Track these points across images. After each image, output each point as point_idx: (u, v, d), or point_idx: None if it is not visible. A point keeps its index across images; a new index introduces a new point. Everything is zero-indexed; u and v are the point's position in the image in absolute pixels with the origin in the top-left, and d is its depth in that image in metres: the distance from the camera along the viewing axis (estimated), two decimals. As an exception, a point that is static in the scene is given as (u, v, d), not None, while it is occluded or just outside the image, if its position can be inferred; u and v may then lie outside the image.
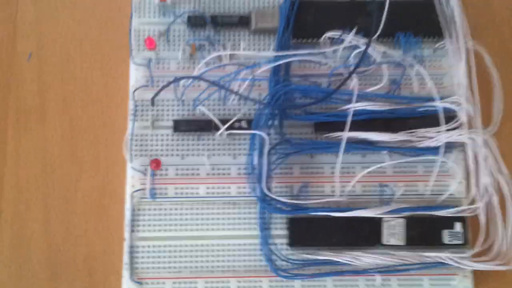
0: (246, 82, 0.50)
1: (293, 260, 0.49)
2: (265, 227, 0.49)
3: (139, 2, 0.53)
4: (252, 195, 0.49)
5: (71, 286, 0.50)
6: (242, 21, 0.52)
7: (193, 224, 0.49)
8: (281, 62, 0.50)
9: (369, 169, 0.50)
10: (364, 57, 0.49)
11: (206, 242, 0.49)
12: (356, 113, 0.49)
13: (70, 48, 0.54)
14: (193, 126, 0.50)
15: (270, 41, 0.52)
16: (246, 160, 0.49)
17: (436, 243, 0.49)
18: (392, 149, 0.50)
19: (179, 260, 0.49)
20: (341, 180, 0.49)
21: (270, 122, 0.49)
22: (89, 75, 0.54)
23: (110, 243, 0.51)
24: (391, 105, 0.50)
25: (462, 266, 0.48)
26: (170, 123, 0.51)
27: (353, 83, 0.49)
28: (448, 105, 0.49)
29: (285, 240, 0.49)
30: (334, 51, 0.52)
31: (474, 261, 0.48)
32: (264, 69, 0.50)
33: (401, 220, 0.49)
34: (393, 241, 0.49)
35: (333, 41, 0.52)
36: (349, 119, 0.48)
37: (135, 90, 0.51)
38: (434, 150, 0.49)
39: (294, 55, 0.50)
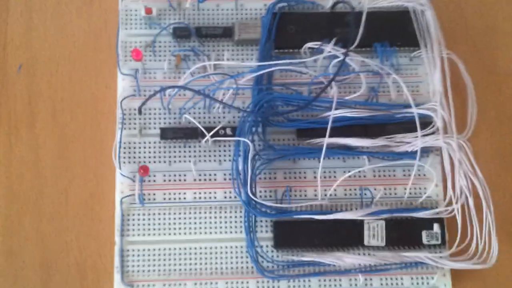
0: (230, 91, 0.51)
1: (279, 261, 0.50)
2: (250, 230, 0.49)
3: (125, 14, 0.54)
4: (238, 200, 0.50)
5: (63, 290, 0.51)
6: (226, 33, 0.53)
7: (181, 228, 0.50)
8: (263, 71, 0.51)
9: (349, 173, 0.50)
10: (342, 66, 0.51)
11: (194, 245, 0.50)
12: (336, 119, 0.50)
13: (59, 59, 0.55)
14: (179, 133, 0.51)
15: (253, 51, 0.53)
16: (231, 166, 0.49)
17: (415, 244, 0.50)
18: (371, 154, 0.51)
19: (168, 263, 0.50)
20: (323, 184, 0.50)
21: (253, 129, 0.50)
22: (77, 85, 0.54)
23: (101, 247, 0.51)
24: (369, 112, 0.51)
25: (440, 265, 0.49)
26: (157, 131, 0.51)
27: (333, 91, 0.50)
28: (424, 111, 0.50)
29: (270, 243, 0.50)
30: (315, 61, 0.53)
31: (452, 260, 0.49)
32: (247, 79, 0.51)
33: (381, 222, 0.50)
34: (374, 242, 0.50)
35: (313, 51, 0.53)
36: (330, 126, 0.48)
37: (122, 100, 0.52)
38: (411, 154, 0.50)
39: (276, 64, 0.51)
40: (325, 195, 0.51)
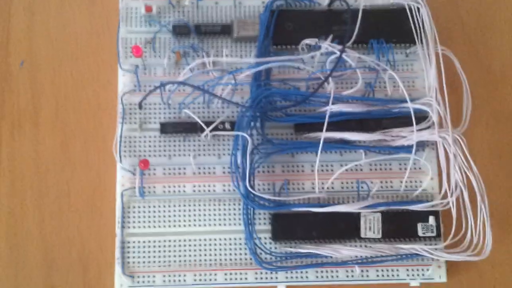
0: (229, 87, 0.52)
1: (277, 253, 0.50)
2: (249, 222, 0.50)
3: (126, 12, 0.54)
4: (236, 192, 0.50)
5: (66, 281, 0.51)
6: (225, 30, 0.54)
7: (181, 220, 0.51)
8: (261, 68, 0.51)
9: (346, 167, 0.51)
10: (339, 62, 0.51)
11: (193, 237, 0.51)
12: (334, 114, 0.50)
13: (61, 56, 0.56)
14: (179, 128, 0.52)
15: (251, 48, 0.54)
16: (230, 160, 0.50)
17: (411, 236, 0.51)
18: (368, 148, 0.52)
19: (168, 255, 0.50)
20: (321, 177, 0.51)
21: (252, 124, 0.50)
22: (79, 81, 0.55)
23: (102, 239, 0.52)
24: (366, 107, 0.52)
25: (435, 257, 0.50)
26: (157, 126, 0.52)
27: (330, 86, 0.51)
28: (419, 106, 0.51)
29: (268, 235, 0.51)
30: (312, 57, 0.53)
31: (447, 252, 0.50)
32: (245, 75, 0.51)
33: (378, 214, 0.50)
34: (370, 234, 0.50)
35: (310, 48, 0.53)
36: (327, 120, 0.49)
37: (123, 95, 0.52)
38: (407, 148, 0.51)
39: (274, 61, 0.52)
40: (323, 188, 0.51)
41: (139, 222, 0.51)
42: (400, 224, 0.51)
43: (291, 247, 0.50)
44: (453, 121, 0.50)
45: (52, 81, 0.55)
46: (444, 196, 0.51)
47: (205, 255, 0.50)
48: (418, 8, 0.54)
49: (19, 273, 0.52)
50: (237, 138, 0.50)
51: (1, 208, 0.53)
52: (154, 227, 0.51)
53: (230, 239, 0.51)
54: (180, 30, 0.54)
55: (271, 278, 0.50)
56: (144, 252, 0.50)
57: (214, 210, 0.51)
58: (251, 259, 0.50)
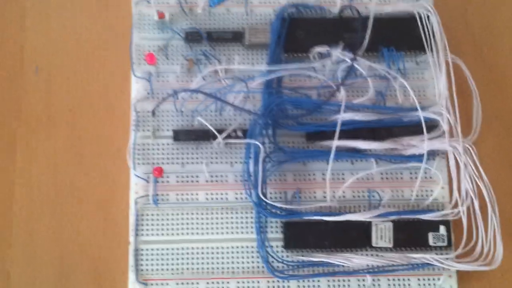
0: (241, 94, 0.52)
1: (289, 261, 0.50)
2: (261, 230, 0.50)
3: (139, 19, 0.55)
4: (249, 201, 0.50)
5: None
6: (236, 37, 0.54)
7: (194, 228, 0.51)
8: (273, 76, 0.52)
9: (358, 176, 0.51)
10: (350, 71, 0.51)
11: (206, 245, 0.51)
12: (345, 123, 0.50)
13: (75, 62, 0.56)
14: (192, 135, 0.52)
15: (263, 55, 0.54)
16: (242, 168, 0.51)
17: (422, 245, 0.51)
18: (379, 156, 0.52)
19: (181, 262, 0.50)
20: (332, 186, 0.51)
21: (264, 132, 0.50)
22: (92, 88, 0.55)
23: (116, 246, 0.52)
24: (377, 115, 0.52)
25: (446, 267, 0.50)
26: (170, 133, 0.52)
27: (341, 95, 0.51)
28: (430, 115, 0.51)
29: (280, 243, 0.51)
30: (323, 65, 0.53)
31: (458, 262, 0.49)
32: (257, 83, 0.52)
33: (389, 223, 0.50)
34: (381, 243, 0.50)
35: (321, 56, 0.54)
36: (338, 129, 0.49)
37: (136, 102, 0.53)
38: (418, 157, 0.51)
39: (286, 69, 0.52)
40: (334, 196, 0.51)
41: (152, 229, 0.51)
42: (411, 233, 0.51)
43: (302, 256, 0.50)
44: (463, 130, 0.51)
45: (66, 88, 0.55)
46: (455, 206, 0.51)
47: (218, 263, 0.50)
48: (428, 16, 0.54)
49: (32, 278, 0.52)
50: (249, 146, 0.50)
51: (16, 216, 0.53)
52: (168, 234, 0.51)
53: (242, 247, 0.51)
54: (192, 37, 0.54)
55: (283, 286, 0.50)
56: (157, 259, 0.50)
57: (227, 218, 0.51)
58: (263, 267, 0.50)
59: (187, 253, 0.51)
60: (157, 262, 0.50)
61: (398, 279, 0.51)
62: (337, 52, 0.53)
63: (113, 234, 0.52)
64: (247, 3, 0.56)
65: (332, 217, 0.50)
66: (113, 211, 0.53)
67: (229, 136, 0.51)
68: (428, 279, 0.51)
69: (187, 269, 0.50)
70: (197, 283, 0.50)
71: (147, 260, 0.50)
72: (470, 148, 0.50)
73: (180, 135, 0.52)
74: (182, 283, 0.50)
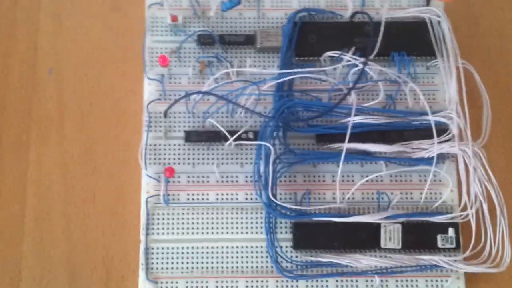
0: (252, 97, 0.52)
1: (297, 261, 0.50)
2: (271, 231, 0.50)
3: (152, 22, 0.55)
4: (259, 201, 0.50)
5: (90, 286, 0.52)
6: (248, 40, 0.55)
7: (204, 227, 0.51)
8: (284, 79, 0.52)
9: (367, 178, 0.51)
10: (361, 75, 0.52)
11: (216, 244, 0.51)
12: (355, 126, 0.50)
13: (87, 64, 0.57)
14: (203, 137, 0.52)
15: (274, 58, 0.55)
16: (253, 169, 0.51)
17: (430, 247, 0.51)
18: (389, 159, 0.52)
19: (191, 261, 0.51)
20: (342, 188, 0.51)
21: (274, 134, 0.51)
22: (105, 89, 0.56)
23: (126, 245, 0.52)
24: (387, 119, 0.52)
25: (454, 269, 0.50)
26: (182, 134, 0.53)
27: (352, 98, 0.51)
28: (440, 119, 0.51)
29: (289, 243, 0.51)
30: (334, 69, 0.54)
31: (466, 264, 0.50)
32: (269, 85, 0.52)
33: (398, 225, 0.51)
34: (390, 245, 0.50)
35: (332, 60, 0.54)
36: (349, 131, 0.49)
37: (149, 103, 0.53)
38: (427, 160, 0.51)
39: (297, 72, 0.52)
40: (343, 198, 0.52)
41: (163, 228, 0.51)
42: (420, 235, 0.51)
43: (311, 256, 0.51)
44: (473, 134, 0.51)
45: (78, 89, 0.56)
46: (464, 208, 0.51)
47: (227, 262, 0.51)
48: (439, 22, 0.54)
49: (44, 278, 0.52)
50: (260, 148, 0.50)
51: (28, 214, 0.53)
52: (178, 234, 0.51)
53: (252, 247, 0.51)
54: (204, 40, 0.54)
55: (292, 286, 0.51)
56: (167, 258, 0.51)
57: (237, 218, 0.52)
58: (272, 267, 0.50)
59: (197, 252, 0.51)
60: (167, 260, 0.51)
61: (406, 280, 0.51)
62: (348, 56, 0.53)
63: (124, 233, 0.53)
64: (259, 7, 0.56)
65: (341, 218, 0.50)
66: (124, 210, 0.53)
67: (240, 138, 0.52)
68: (436, 281, 0.51)
69: (197, 268, 0.51)
70: (207, 281, 0.51)
71: (157, 258, 0.51)
72: (480, 152, 0.50)
73: (192, 136, 0.52)
74: (192, 282, 0.50)
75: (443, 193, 0.52)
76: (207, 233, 0.51)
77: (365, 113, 0.52)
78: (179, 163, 0.52)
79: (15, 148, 0.55)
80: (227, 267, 0.51)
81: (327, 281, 0.51)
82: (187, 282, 0.50)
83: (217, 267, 0.51)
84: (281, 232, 0.51)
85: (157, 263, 0.51)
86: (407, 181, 0.53)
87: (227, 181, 0.52)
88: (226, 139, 0.52)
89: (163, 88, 0.54)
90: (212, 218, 0.52)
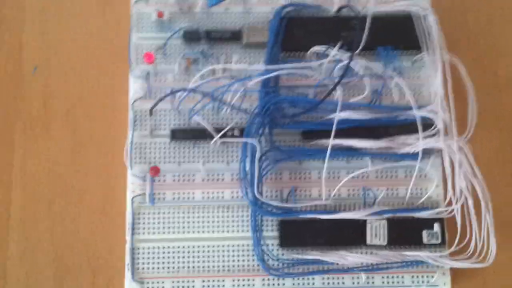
0: (238, 94, 0.52)
1: (284, 259, 0.51)
2: (257, 229, 0.50)
3: (137, 18, 0.55)
4: (245, 199, 0.51)
5: (76, 286, 0.52)
6: (234, 36, 0.54)
7: (190, 227, 0.51)
8: (270, 75, 0.52)
9: (353, 174, 0.51)
10: (347, 70, 0.51)
11: (202, 243, 0.51)
12: (341, 121, 0.50)
13: (72, 62, 0.56)
14: (189, 134, 0.52)
15: (260, 54, 0.54)
16: (239, 167, 0.51)
17: (416, 243, 0.51)
18: (374, 155, 0.52)
19: (177, 261, 0.51)
20: (328, 184, 0.51)
21: (260, 131, 0.51)
22: (90, 87, 0.56)
23: (112, 245, 0.52)
24: (373, 114, 0.52)
25: (440, 264, 0.50)
26: (168, 132, 0.52)
27: (338, 94, 0.51)
28: (425, 114, 0.51)
29: (276, 241, 0.51)
30: (320, 65, 0.53)
31: (451, 259, 0.50)
32: (255, 82, 0.52)
33: (384, 221, 0.51)
34: (376, 241, 0.51)
35: (319, 55, 0.54)
36: (334, 127, 0.49)
37: (134, 101, 0.53)
38: (413, 156, 0.51)
39: (283, 68, 0.52)
40: (329, 195, 0.52)
41: (148, 228, 0.51)
42: (406, 231, 0.51)
43: (298, 254, 0.51)
44: (458, 128, 0.51)
45: (63, 87, 0.56)
46: (449, 204, 0.51)
47: (214, 261, 0.51)
48: (425, 15, 0.54)
49: (29, 277, 0.52)
50: (246, 145, 0.50)
51: (13, 213, 0.53)
52: (164, 233, 0.51)
53: (238, 245, 0.51)
54: (190, 36, 0.54)
55: (278, 284, 0.51)
56: (153, 258, 0.51)
57: (223, 216, 0.52)
58: (258, 265, 0.51)
59: (183, 252, 0.51)
60: (153, 260, 0.51)
61: (392, 277, 0.51)
62: (334, 52, 0.53)
63: (110, 233, 0.53)
64: (245, 2, 0.56)
65: (327, 215, 0.50)
66: (110, 210, 0.53)
67: (225, 135, 0.52)
68: (422, 277, 0.51)
69: (183, 267, 0.51)
70: (193, 281, 0.51)
71: (143, 258, 0.51)
72: (465, 147, 0.50)
73: (178, 134, 0.52)
74: (178, 281, 0.51)
75: (428, 188, 0.53)
76: (193, 232, 0.51)
77: (351, 108, 0.52)
78: (164, 162, 0.52)
79: (0, 148, 0.54)
80: (213, 266, 0.51)
81: (313, 278, 0.51)
82: (173, 282, 0.51)
83: (203, 266, 0.51)
84: (267, 230, 0.51)
85: (143, 263, 0.51)
86: (392, 177, 0.53)
87: (213, 179, 0.52)
88: (212, 137, 0.52)
89: (149, 85, 0.53)
90: (198, 217, 0.52)
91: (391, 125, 0.52)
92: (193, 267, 0.51)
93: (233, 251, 0.51)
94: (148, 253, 0.51)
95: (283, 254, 0.51)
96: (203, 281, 0.51)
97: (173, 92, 0.52)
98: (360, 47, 0.53)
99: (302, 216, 0.50)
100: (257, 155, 0.50)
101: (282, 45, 0.54)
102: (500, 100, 0.57)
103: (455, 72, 0.53)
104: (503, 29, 0.59)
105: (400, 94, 0.54)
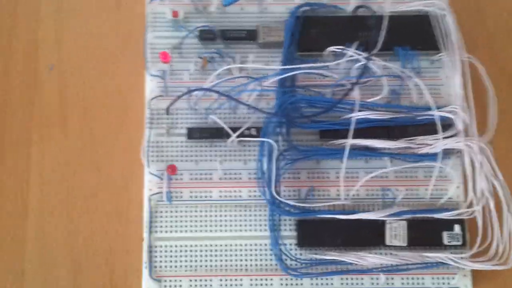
0: (255, 93, 0.52)
1: (302, 259, 0.50)
2: (274, 228, 0.50)
3: (153, 17, 0.55)
4: (262, 199, 0.50)
5: (92, 284, 0.52)
6: (250, 35, 0.54)
7: (207, 225, 0.51)
8: (287, 74, 0.52)
9: (372, 174, 0.51)
10: (365, 70, 0.51)
11: (219, 242, 0.51)
12: (359, 121, 0.50)
13: (89, 60, 0.56)
14: (205, 133, 0.52)
15: (276, 53, 0.54)
16: (256, 166, 0.51)
17: (436, 244, 0.50)
18: (393, 155, 0.52)
19: (195, 259, 0.50)
20: (346, 184, 0.50)
21: (278, 130, 0.51)
22: (107, 86, 0.56)
23: (129, 243, 0.52)
24: (391, 114, 0.52)
25: (461, 266, 0.49)
26: (184, 131, 0.52)
27: (356, 94, 0.51)
28: (445, 114, 0.51)
29: (294, 241, 0.51)
30: (337, 64, 0.53)
31: (473, 261, 0.49)
32: (271, 81, 0.52)
33: (403, 222, 0.50)
34: (395, 242, 0.50)
35: (335, 54, 0.54)
36: (352, 127, 0.49)
37: (150, 100, 0.53)
38: (432, 156, 0.51)
39: (299, 68, 0.52)
40: (348, 195, 0.51)
41: (166, 226, 0.51)
42: (426, 232, 0.51)
43: (316, 254, 0.50)
44: (479, 129, 0.50)
45: (80, 86, 0.56)
46: (470, 205, 0.50)
47: (231, 260, 0.50)
48: (443, 15, 0.54)
49: (46, 275, 0.52)
50: (263, 144, 0.50)
51: (30, 212, 0.53)
52: (181, 231, 0.51)
53: (255, 245, 0.51)
54: (206, 36, 0.54)
55: (296, 284, 0.50)
56: (171, 256, 0.50)
57: (240, 216, 0.51)
58: (276, 265, 0.50)
59: (201, 250, 0.51)
60: (171, 259, 0.50)
61: (412, 278, 0.51)
62: (351, 52, 0.53)
63: (127, 231, 0.52)
64: (260, 1, 0.56)
65: (345, 215, 0.50)
66: (127, 208, 0.53)
67: (243, 134, 0.51)
68: (443, 278, 0.51)
69: (201, 266, 0.50)
70: (210, 280, 0.50)
71: (160, 257, 0.50)
72: (486, 147, 0.50)
73: (194, 133, 0.52)
74: (196, 280, 0.50)
75: (448, 189, 0.52)
76: (211, 231, 0.51)
77: (369, 108, 0.52)
78: (181, 160, 0.52)
79: (17, 146, 0.54)
80: (231, 265, 0.50)
81: (332, 279, 0.50)
82: (190, 280, 0.50)
83: (221, 265, 0.50)
84: (285, 230, 0.51)
85: (161, 261, 0.50)
86: (412, 177, 0.52)
87: (230, 178, 0.52)
88: (229, 136, 0.51)
89: (165, 84, 0.53)
90: (216, 215, 0.51)
91: (410, 125, 0.52)
92: (211, 266, 0.50)
93: (250, 250, 0.51)
94: (166, 251, 0.50)
95: (301, 254, 0.51)
96: (221, 280, 0.50)
97: (190, 91, 0.51)
98: (378, 47, 0.52)
99: (320, 216, 0.50)
100: (275, 154, 0.49)
101: (298, 45, 0.54)
102: (521, 100, 0.57)
103: (474, 72, 0.52)
104: (522, 29, 0.59)
105: (419, 94, 0.53)
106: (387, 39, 0.52)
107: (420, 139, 0.51)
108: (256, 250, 0.51)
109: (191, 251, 0.51)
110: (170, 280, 0.50)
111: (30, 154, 0.54)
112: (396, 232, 0.50)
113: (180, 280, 0.50)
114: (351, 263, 0.50)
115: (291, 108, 0.51)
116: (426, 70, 0.54)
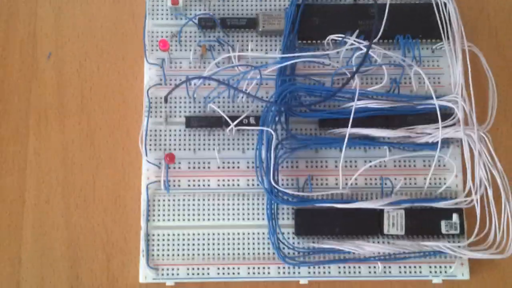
0: (254, 81, 0.52)
1: (299, 248, 0.50)
2: (272, 217, 0.50)
3: (152, 5, 0.55)
4: (260, 187, 0.50)
5: (90, 271, 0.52)
6: (250, 23, 0.54)
7: (205, 214, 0.51)
8: (287, 63, 0.51)
9: (371, 163, 0.51)
10: (365, 58, 0.50)
11: (217, 231, 0.51)
12: (358, 110, 0.50)
13: (87, 48, 0.56)
14: (204, 122, 0.52)
15: (276, 42, 0.54)
16: (255, 154, 0.50)
17: (434, 233, 0.50)
18: (392, 144, 0.52)
19: (192, 248, 0.51)
20: (345, 173, 0.51)
21: (276, 119, 0.50)
22: (105, 74, 0.55)
23: (127, 231, 0.52)
24: (391, 103, 0.51)
25: (458, 255, 0.50)
26: (183, 119, 0.52)
27: (355, 83, 0.50)
28: (445, 103, 0.51)
29: (291, 230, 0.51)
30: (337, 53, 0.53)
31: (470, 250, 0.49)
32: (271, 70, 0.51)
33: (401, 211, 0.50)
34: (393, 231, 0.50)
35: (336, 43, 0.53)
36: (352, 116, 0.49)
37: (149, 88, 0.53)
38: (432, 145, 0.51)
39: (300, 56, 0.52)
40: (346, 184, 0.51)
41: (163, 215, 0.51)
42: (424, 221, 0.51)
43: (313, 243, 0.50)
44: (478, 118, 0.50)
45: (78, 74, 0.56)
46: (468, 194, 0.50)
47: (229, 249, 0.51)
48: (445, 4, 0.53)
49: (44, 263, 0.52)
50: (262, 133, 0.50)
51: (27, 199, 0.53)
52: (179, 220, 0.51)
53: (253, 233, 0.51)
54: (205, 23, 0.54)
55: (294, 272, 0.50)
56: (168, 245, 0.51)
57: (238, 204, 0.51)
58: (274, 253, 0.50)
59: (198, 239, 0.51)
60: (168, 247, 0.51)
61: (410, 267, 0.51)
62: (352, 40, 0.53)
63: (125, 219, 0.53)
64: (261, -11, 0.56)
65: (344, 204, 0.50)
66: (124, 196, 0.53)
67: (241, 123, 0.51)
68: (440, 267, 0.51)
69: (198, 254, 0.51)
70: (208, 268, 0.50)
71: (158, 245, 0.51)
72: (485, 136, 0.50)
73: (192, 122, 0.52)
74: (193, 268, 0.50)
75: (447, 178, 0.52)
76: (208, 219, 0.51)
77: (368, 97, 0.52)
78: (180, 149, 0.52)
79: (15, 135, 0.54)
80: (228, 254, 0.51)
81: (329, 267, 0.51)
82: (187, 268, 0.50)
83: (218, 254, 0.51)
84: (283, 219, 0.51)
85: (158, 249, 0.51)
86: (411, 166, 0.52)
87: (228, 167, 0.52)
88: (227, 125, 0.51)
89: (164, 72, 0.53)
90: (213, 204, 0.51)
91: (410, 114, 0.52)
92: (208, 254, 0.51)
93: (248, 239, 0.51)
94: (163, 240, 0.51)
95: (298, 243, 0.51)
96: (218, 268, 0.50)
97: (188, 80, 0.51)
98: (379, 35, 0.52)
99: (318, 204, 0.50)
100: (273, 143, 0.49)
101: (299, 33, 0.54)
102: (521, 89, 0.56)
103: (475, 61, 0.52)
104: (524, 18, 0.58)
105: (419, 83, 0.53)
106: (388, 27, 0.52)
107: (420, 128, 0.51)
108: (253, 238, 0.51)
109: (188, 239, 0.51)
110: (167, 269, 0.50)
111: (27, 143, 0.54)
112: (394, 221, 0.50)
113: (178, 269, 0.50)
114: (348, 252, 0.50)
115: (290, 96, 0.51)
116: (427, 59, 0.54)
